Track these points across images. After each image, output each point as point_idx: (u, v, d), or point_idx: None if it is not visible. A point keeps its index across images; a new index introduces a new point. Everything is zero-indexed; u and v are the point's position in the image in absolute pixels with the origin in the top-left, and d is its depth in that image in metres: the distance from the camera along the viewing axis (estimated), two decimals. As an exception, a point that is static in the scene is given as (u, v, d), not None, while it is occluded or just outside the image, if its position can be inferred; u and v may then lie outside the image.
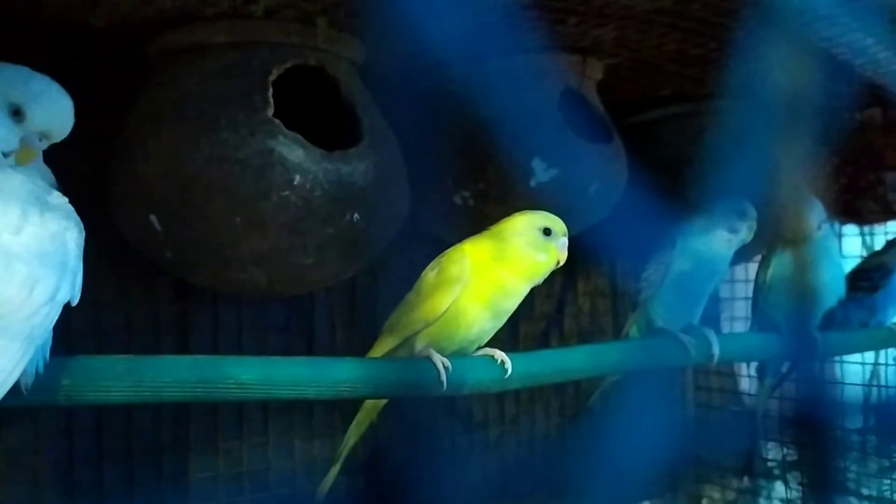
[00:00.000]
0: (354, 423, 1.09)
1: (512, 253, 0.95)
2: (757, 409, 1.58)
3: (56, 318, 0.63)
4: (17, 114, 0.65)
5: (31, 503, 0.58)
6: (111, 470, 1.19)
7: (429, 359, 0.92)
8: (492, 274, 0.95)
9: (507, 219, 0.98)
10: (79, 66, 1.13)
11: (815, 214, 1.36)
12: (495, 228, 0.98)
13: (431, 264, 0.99)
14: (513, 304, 0.97)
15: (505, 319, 0.99)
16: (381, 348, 1.01)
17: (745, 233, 1.23)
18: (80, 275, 0.65)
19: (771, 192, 1.28)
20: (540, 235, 0.95)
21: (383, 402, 1.08)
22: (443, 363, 0.91)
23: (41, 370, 0.66)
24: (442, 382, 0.91)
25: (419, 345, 0.96)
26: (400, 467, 1.42)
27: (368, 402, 1.07)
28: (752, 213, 1.24)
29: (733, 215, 1.23)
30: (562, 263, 0.97)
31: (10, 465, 1.09)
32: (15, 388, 0.61)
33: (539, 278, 0.97)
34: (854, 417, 1.63)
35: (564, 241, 0.97)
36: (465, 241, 0.99)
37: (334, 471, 1.10)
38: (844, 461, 1.64)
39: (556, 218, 0.97)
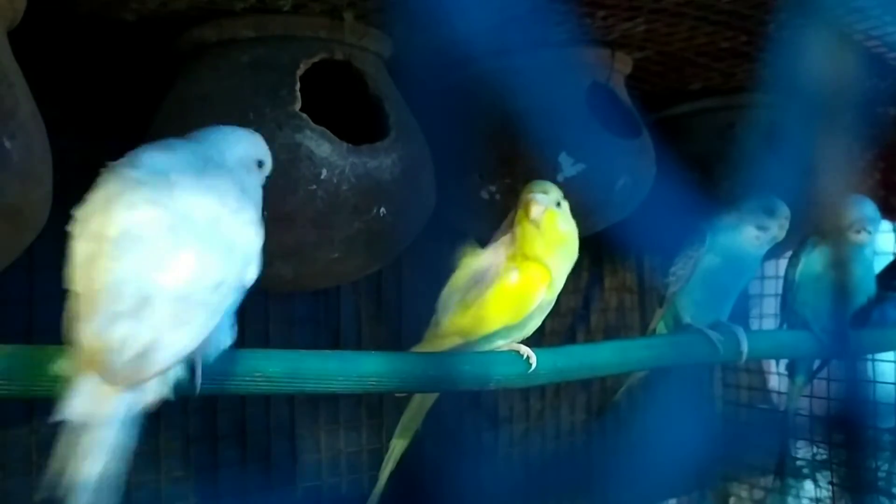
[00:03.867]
0: (399, 428, 1.09)
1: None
2: (788, 408, 1.55)
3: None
4: (260, 165, 0.86)
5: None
6: (140, 461, 1.20)
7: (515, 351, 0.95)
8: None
9: None
10: (110, 61, 1.16)
11: (855, 210, 1.33)
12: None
13: (501, 270, 0.97)
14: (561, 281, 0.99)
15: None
16: (436, 344, 1.00)
17: (776, 231, 1.21)
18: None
19: (806, 188, 1.26)
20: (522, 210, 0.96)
21: (430, 404, 1.08)
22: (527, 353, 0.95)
23: None
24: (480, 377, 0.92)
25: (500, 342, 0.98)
26: (424, 463, 1.42)
27: (414, 404, 1.07)
28: (783, 210, 1.21)
29: (762, 213, 1.21)
30: (533, 217, 0.94)
31: (41, 456, 1.11)
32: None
33: (552, 243, 0.96)
34: (886, 416, 1.61)
35: (532, 196, 0.95)
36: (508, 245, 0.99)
37: (381, 483, 1.10)
38: (876, 460, 1.61)
39: (535, 182, 0.97)
